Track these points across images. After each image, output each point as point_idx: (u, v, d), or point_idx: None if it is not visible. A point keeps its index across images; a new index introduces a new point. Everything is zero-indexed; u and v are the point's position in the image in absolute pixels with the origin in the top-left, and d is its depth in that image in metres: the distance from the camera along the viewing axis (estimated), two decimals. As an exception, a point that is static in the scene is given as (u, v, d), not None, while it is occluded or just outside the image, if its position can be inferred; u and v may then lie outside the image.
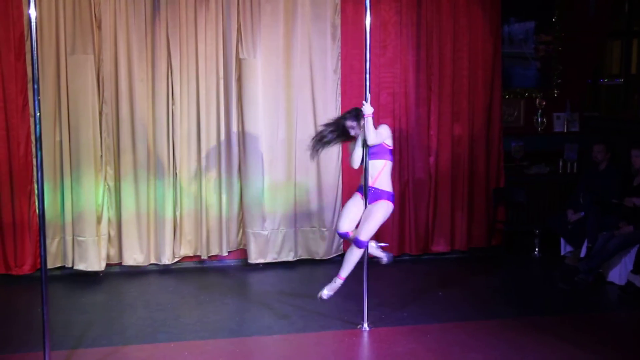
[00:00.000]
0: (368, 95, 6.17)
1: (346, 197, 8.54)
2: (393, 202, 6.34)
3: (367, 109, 6.12)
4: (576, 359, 5.59)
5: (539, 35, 9.92)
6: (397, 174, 8.62)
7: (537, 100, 9.79)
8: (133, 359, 5.58)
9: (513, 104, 9.84)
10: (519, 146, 9.70)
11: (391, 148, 6.38)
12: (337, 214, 8.57)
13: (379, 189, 6.29)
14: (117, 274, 8.16)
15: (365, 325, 6.30)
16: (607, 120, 9.85)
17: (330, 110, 8.41)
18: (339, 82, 8.46)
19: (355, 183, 8.46)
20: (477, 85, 8.81)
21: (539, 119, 9.82)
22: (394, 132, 8.55)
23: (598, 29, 9.83)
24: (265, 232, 8.40)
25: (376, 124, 6.25)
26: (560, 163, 9.78)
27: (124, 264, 8.18)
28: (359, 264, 6.26)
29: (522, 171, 9.61)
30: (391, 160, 6.39)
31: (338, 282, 6.28)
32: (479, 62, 8.77)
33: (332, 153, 8.49)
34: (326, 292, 6.32)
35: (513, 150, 9.66)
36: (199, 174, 8.24)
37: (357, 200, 6.39)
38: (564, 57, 9.90)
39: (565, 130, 9.92)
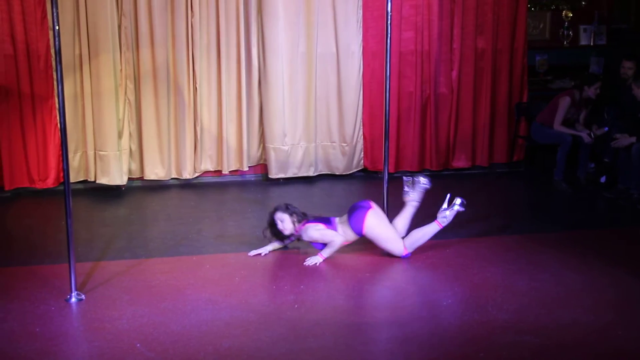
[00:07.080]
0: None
1: (367, 112, 8.49)
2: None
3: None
4: (597, 274, 5.59)
5: (567, -58, 9.62)
6: (419, 89, 8.53)
7: (564, 13, 9.55)
8: (156, 272, 5.66)
9: (539, 16, 9.62)
10: (543, 60, 9.54)
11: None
12: (358, 129, 8.54)
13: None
14: (139, 188, 8.25)
15: (385, 239, 6.32)
16: (635, 32, 9.60)
17: (352, 23, 8.27)
18: (361, -6, 8.29)
19: (375, 98, 8.40)
20: (503, -4, 8.62)
21: (565, 32, 9.61)
22: (415, 44, 8.44)
23: None
24: (286, 147, 8.38)
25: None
26: (585, 77, 9.62)
27: (145, 178, 8.25)
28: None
29: (545, 85, 9.48)
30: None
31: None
32: (505, -27, 8.55)
33: (354, 68, 8.38)
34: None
35: (537, 64, 9.51)
36: (219, 88, 8.19)
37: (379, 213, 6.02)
38: (592, -34, 9.63)
39: (591, 44, 9.72)
